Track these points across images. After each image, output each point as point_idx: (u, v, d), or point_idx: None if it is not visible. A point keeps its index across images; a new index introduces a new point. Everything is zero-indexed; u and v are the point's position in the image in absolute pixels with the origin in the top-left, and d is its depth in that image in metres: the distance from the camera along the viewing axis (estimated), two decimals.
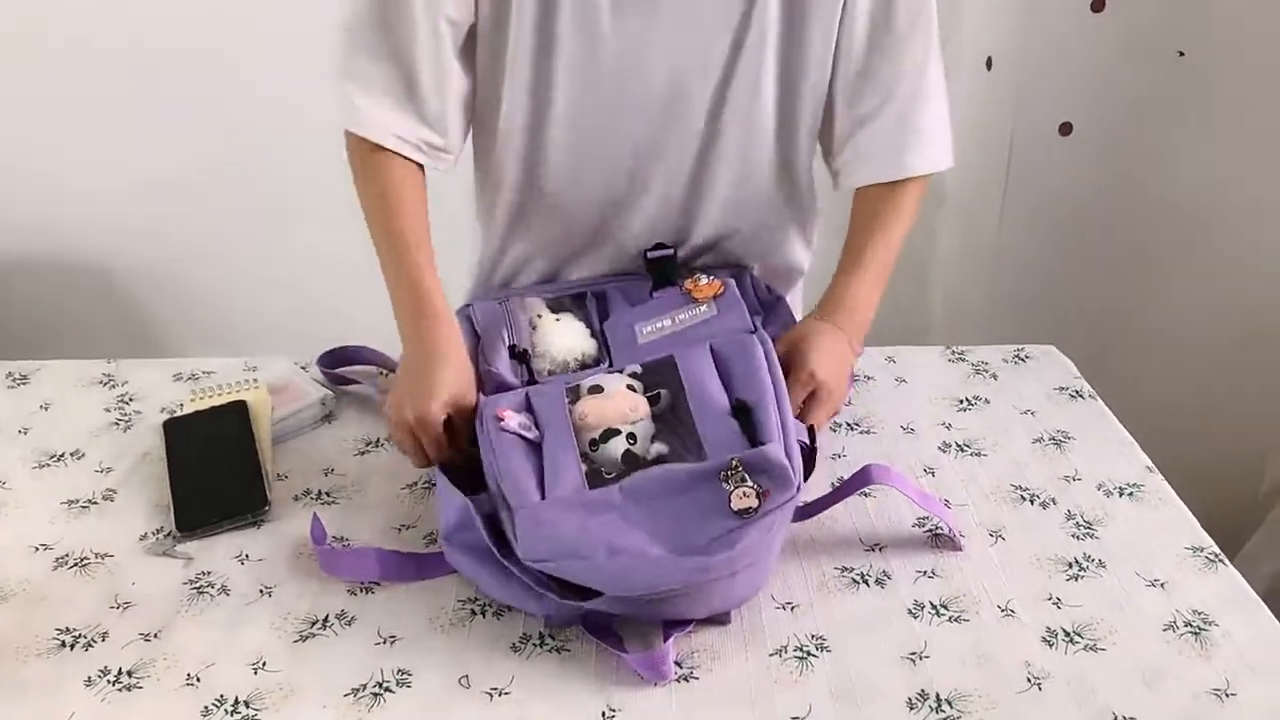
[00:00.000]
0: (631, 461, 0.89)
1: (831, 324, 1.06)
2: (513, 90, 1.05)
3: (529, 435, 0.91)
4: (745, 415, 0.91)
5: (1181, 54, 1.63)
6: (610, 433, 0.90)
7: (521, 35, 1.02)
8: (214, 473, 1.04)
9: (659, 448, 0.91)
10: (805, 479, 0.92)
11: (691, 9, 1.02)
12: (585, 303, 1.12)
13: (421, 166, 1.07)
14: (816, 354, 1.02)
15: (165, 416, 1.14)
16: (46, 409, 1.19)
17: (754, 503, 0.82)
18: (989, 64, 1.71)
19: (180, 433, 1.10)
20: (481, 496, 0.88)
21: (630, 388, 0.95)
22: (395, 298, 1.03)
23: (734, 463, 0.84)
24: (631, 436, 0.90)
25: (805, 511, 0.98)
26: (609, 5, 1.01)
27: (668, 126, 1.08)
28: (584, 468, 0.88)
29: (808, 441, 0.94)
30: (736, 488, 0.82)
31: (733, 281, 1.08)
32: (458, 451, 0.96)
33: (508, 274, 1.20)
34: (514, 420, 0.92)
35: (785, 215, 1.18)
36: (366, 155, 1.05)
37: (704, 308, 1.05)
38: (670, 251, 1.13)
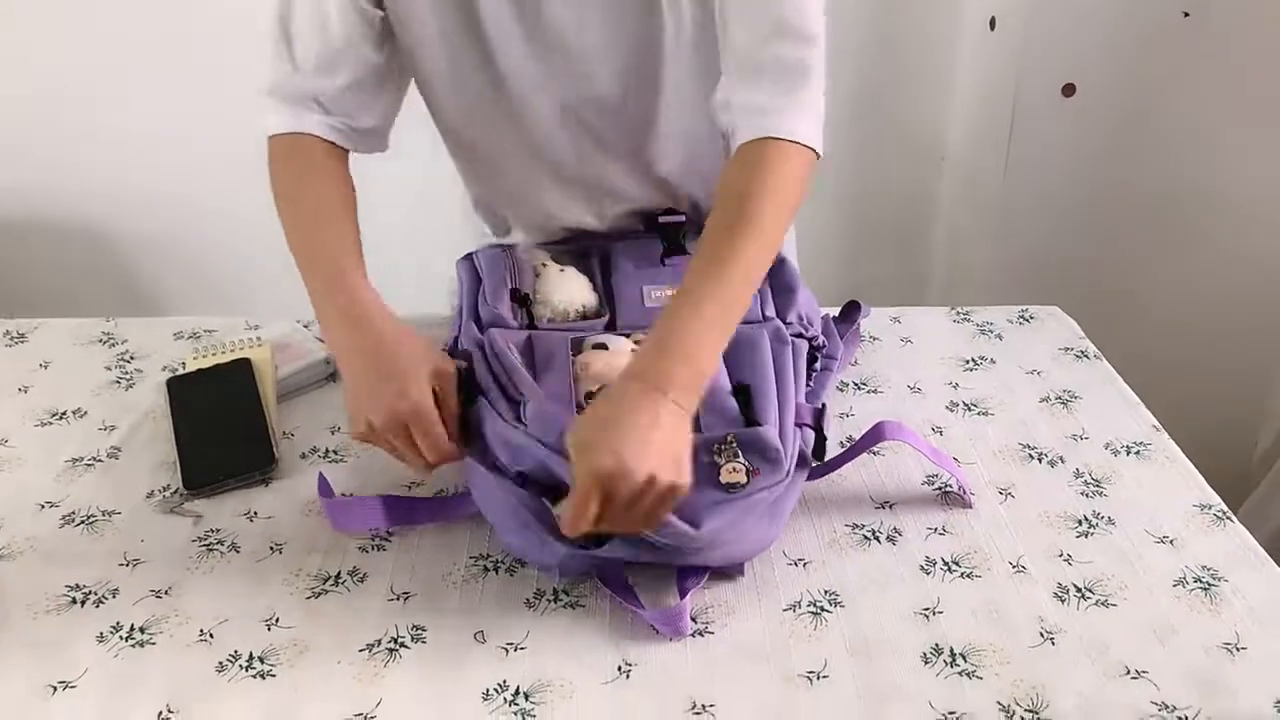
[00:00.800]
0: None
1: (646, 387, 0.79)
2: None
3: (513, 393, 0.90)
4: (744, 395, 0.91)
5: (1186, 14, 1.62)
6: (606, 389, 0.90)
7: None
8: (219, 431, 1.04)
9: None
10: (818, 458, 0.93)
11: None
12: (589, 259, 1.12)
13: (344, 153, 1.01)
14: (606, 439, 0.76)
15: (167, 375, 1.13)
16: (46, 367, 1.17)
17: (742, 479, 0.83)
18: (992, 24, 1.70)
19: (184, 391, 1.09)
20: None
21: (634, 351, 0.95)
22: (320, 309, 0.92)
23: (729, 437, 0.84)
24: None
25: (819, 470, 0.97)
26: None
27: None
28: (578, 410, 0.89)
29: (811, 424, 0.93)
30: (728, 462, 0.83)
31: None
32: (457, 441, 0.87)
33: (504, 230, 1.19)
34: (514, 354, 0.93)
35: None
36: (280, 151, 1.00)
37: None
38: (681, 218, 1.12)
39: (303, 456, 1.03)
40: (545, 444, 0.83)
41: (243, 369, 1.10)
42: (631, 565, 0.88)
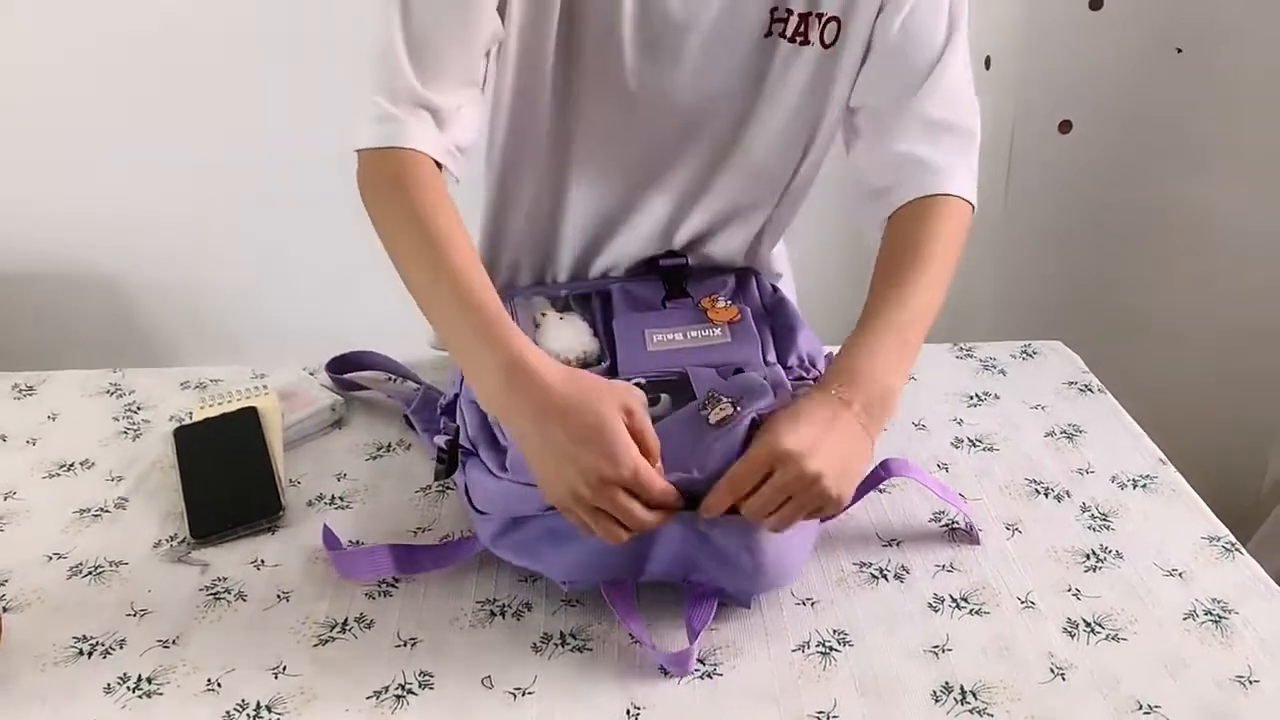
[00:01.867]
0: None
1: (841, 399, 0.84)
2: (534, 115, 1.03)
3: None
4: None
5: (1180, 50, 1.64)
6: None
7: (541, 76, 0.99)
8: (226, 479, 1.04)
9: None
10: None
11: (713, 51, 0.99)
12: (590, 303, 1.12)
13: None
14: (789, 424, 0.81)
15: (174, 424, 1.14)
16: (54, 419, 1.18)
17: (729, 410, 0.85)
18: (988, 63, 1.72)
19: (191, 440, 1.09)
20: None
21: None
22: (471, 357, 0.85)
23: (709, 392, 0.87)
24: None
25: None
26: (631, 56, 0.99)
27: (687, 138, 1.06)
28: None
29: None
30: (714, 408, 0.85)
31: (749, 311, 1.06)
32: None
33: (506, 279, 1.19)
34: None
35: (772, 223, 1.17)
36: (392, 172, 0.92)
37: (718, 331, 1.04)
38: (683, 260, 1.13)
39: (309, 504, 1.03)
40: (521, 482, 0.84)
41: (249, 417, 1.11)
42: (640, 585, 0.88)
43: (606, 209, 1.11)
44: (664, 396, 0.97)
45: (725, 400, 0.86)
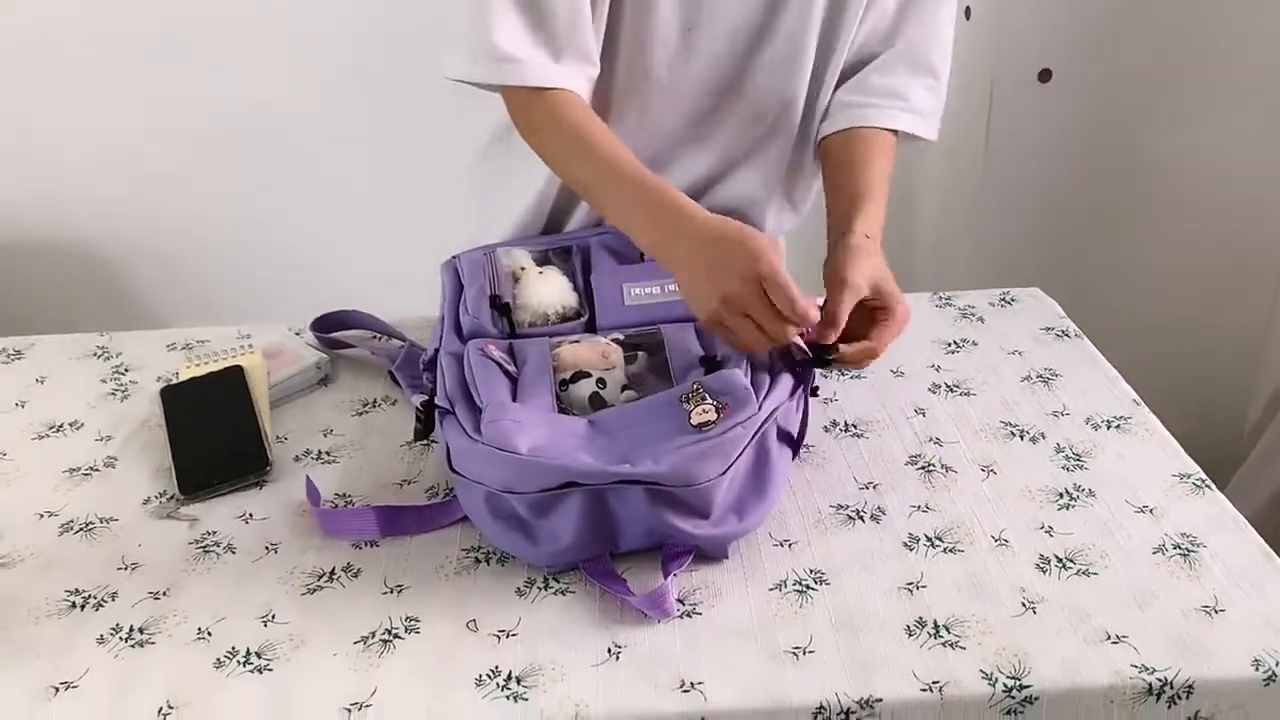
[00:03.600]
0: (598, 404, 0.92)
1: (872, 242, 1.03)
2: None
3: (508, 367, 0.94)
4: (713, 365, 0.94)
5: None
6: (580, 375, 0.93)
7: None
8: (213, 436, 1.05)
9: (629, 395, 0.93)
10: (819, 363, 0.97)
11: None
12: (570, 257, 1.13)
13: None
14: (875, 267, 1.00)
15: (161, 385, 1.15)
16: (42, 382, 1.19)
17: (712, 416, 0.85)
18: (968, 13, 1.72)
19: (178, 399, 1.11)
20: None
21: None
22: (634, 215, 0.99)
23: (694, 385, 0.87)
24: (601, 381, 0.93)
25: (797, 445, 0.99)
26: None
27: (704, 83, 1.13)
28: (555, 402, 0.91)
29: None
30: (696, 406, 0.85)
31: None
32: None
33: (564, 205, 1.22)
34: (496, 352, 0.95)
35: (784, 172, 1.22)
36: (549, 106, 1.04)
37: None
38: None
39: (296, 459, 1.05)
40: (495, 447, 0.85)
41: (235, 376, 1.12)
42: (618, 556, 0.90)
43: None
44: (640, 354, 0.98)
45: (709, 402, 0.86)
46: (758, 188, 1.21)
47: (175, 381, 1.14)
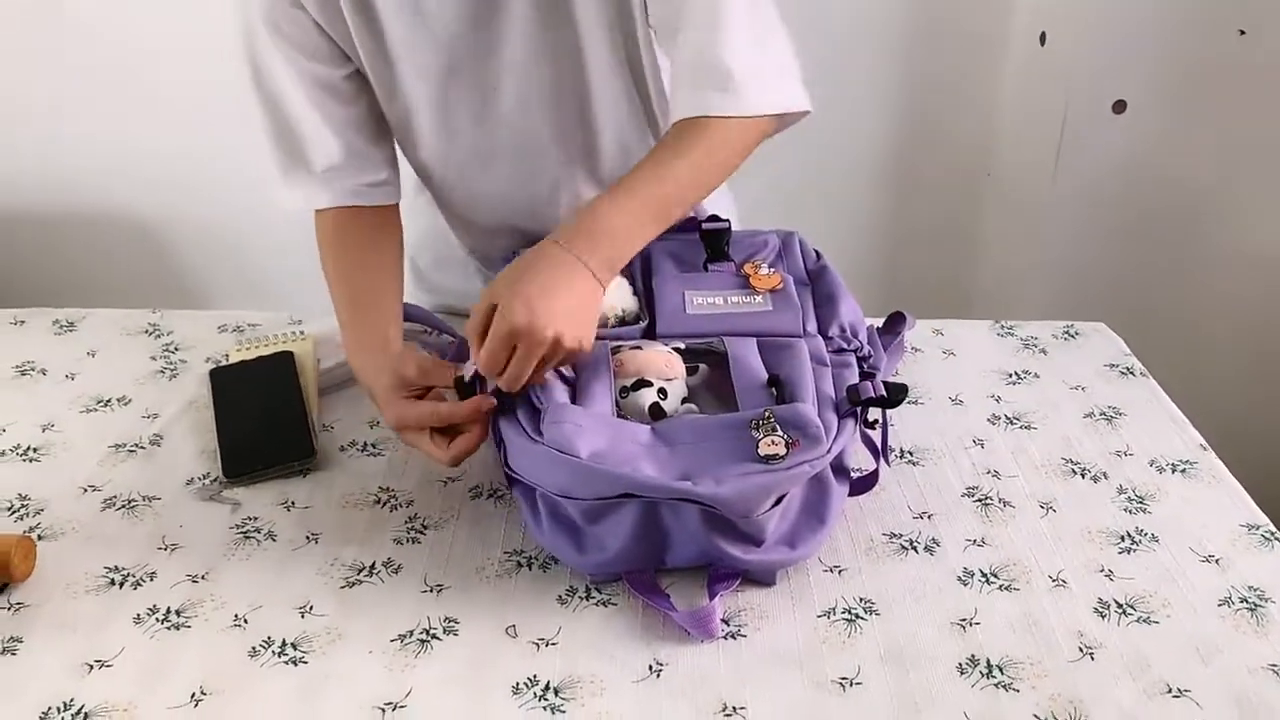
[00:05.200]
0: (658, 414, 0.89)
1: (561, 247, 0.88)
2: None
3: (565, 372, 0.92)
4: (778, 386, 0.91)
5: (1243, 32, 1.60)
6: (641, 383, 0.91)
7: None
8: (260, 421, 1.04)
9: (688, 408, 0.91)
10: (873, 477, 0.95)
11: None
12: (631, 261, 1.11)
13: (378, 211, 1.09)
14: (510, 272, 0.88)
15: (211, 365, 1.14)
16: (93, 355, 1.19)
17: (781, 450, 0.82)
18: (1042, 39, 1.69)
19: (227, 381, 1.10)
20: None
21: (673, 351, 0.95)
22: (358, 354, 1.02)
23: (766, 413, 0.84)
24: (662, 391, 0.91)
25: (862, 482, 0.96)
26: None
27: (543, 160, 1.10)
28: (615, 408, 0.89)
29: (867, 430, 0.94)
30: (765, 436, 0.82)
31: (791, 279, 1.04)
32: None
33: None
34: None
35: None
36: (320, 232, 1.08)
37: (759, 298, 1.03)
38: (725, 224, 1.12)
39: (342, 449, 1.04)
40: (556, 449, 0.83)
41: (285, 361, 1.11)
42: (662, 571, 0.88)
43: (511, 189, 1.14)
44: (701, 366, 0.96)
45: (780, 435, 0.83)
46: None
47: (225, 363, 1.13)
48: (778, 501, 0.84)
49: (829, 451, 0.85)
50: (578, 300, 0.87)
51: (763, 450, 0.82)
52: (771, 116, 0.97)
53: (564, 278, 0.86)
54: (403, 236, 1.11)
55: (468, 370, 0.90)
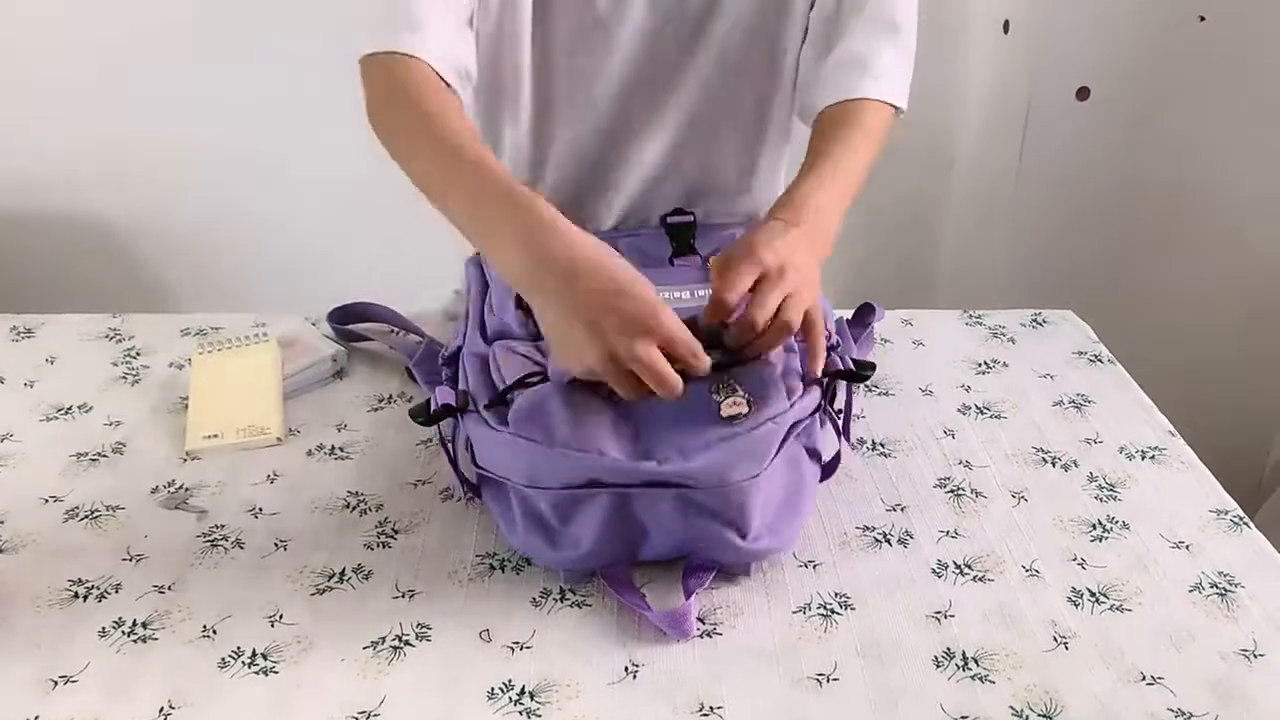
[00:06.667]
0: None
1: (787, 223, 0.88)
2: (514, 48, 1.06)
3: (535, 358, 0.91)
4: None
5: (1203, 18, 1.61)
6: None
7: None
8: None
9: None
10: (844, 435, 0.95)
11: None
12: None
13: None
14: (766, 239, 0.84)
15: (174, 371, 1.13)
16: (52, 362, 1.17)
17: (744, 409, 0.81)
18: (1006, 27, 1.69)
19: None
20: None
21: None
22: (488, 212, 0.83)
23: (727, 377, 0.83)
24: None
25: (830, 466, 0.96)
26: None
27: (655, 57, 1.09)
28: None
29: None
30: (727, 398, 0.82)
31: None
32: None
33: None
34: (522, 348, 0.93)
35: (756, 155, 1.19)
36: (399, 81, 0.93)
37: None
38: (690, 218, 1.11)
39: (309, 454, 1.02)
40: (524, 437, 0.82)
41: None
42: (637, 566, 0.87)
43: (591, 151, 1.12)
44: None
45: (740, 394, 0.82)
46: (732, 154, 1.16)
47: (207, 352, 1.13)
48: (757, 475, 0.82)
49: (792, 407, 0.84)
50: (804, 257, 0.86)
51: (725, 412, 0.81)
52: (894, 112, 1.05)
53: (793, 239, 0.86)
54: None
55: (439, 396, 0.88)
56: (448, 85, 0.95)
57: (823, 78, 1.06)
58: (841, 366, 0.91)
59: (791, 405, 0.84)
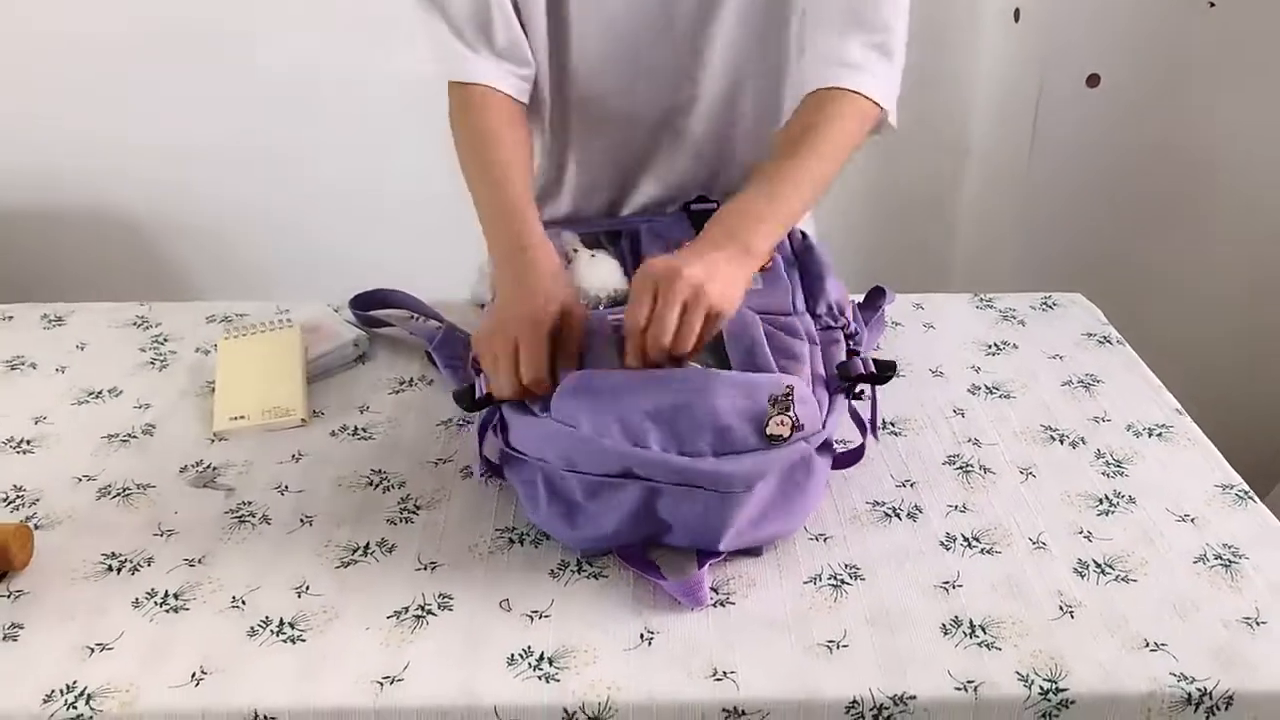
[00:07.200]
0: None
1: (705, 243, 0.91)
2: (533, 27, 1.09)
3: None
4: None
5: (1213, 4, 1.62)
6: None
7: None
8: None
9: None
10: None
11: None
12: (619, 241, 1.13)
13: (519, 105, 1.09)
14: (676, 265, 0.86)
15: (200, 355, 1.16)
16: (82, 349, 1.20)
17: (786, 433, 0.83)
18: (1016, 15, 1.70)
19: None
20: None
21: None
22: (490, 229, 1.00)
23: (788, 389, 0.84)
24: None
25: (844, 458, 0.98)
26: None
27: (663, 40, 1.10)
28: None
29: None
30: (779, 414, 0.83)
31: (780, 259, 1.07)
32: (549, 375, 0.89)
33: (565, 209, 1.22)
34: None
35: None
36: (462, 98, 1.06)
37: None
38: (714, 205, 1.13)
39: (333, 434, 1.05)
40: (560, 420, 0.84)
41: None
42: (653, 546, 0.89)
43: (613, 144, 1.15)
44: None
45: (790, 415, 0.83)
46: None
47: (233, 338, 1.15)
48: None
49: (823, 427, 0.87)
50: (724, 267, 0.86)
51: (771, 429, 0.83)
52: (880, 113, 1.03)
53: (710, 247, 0.88)
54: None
55: (481, 384, 0.91)
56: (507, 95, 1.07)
57: (803, 66, 1.06)
58: (864, 370, 0.93)
59: (823, 427, 0.87)
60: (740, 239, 0.89)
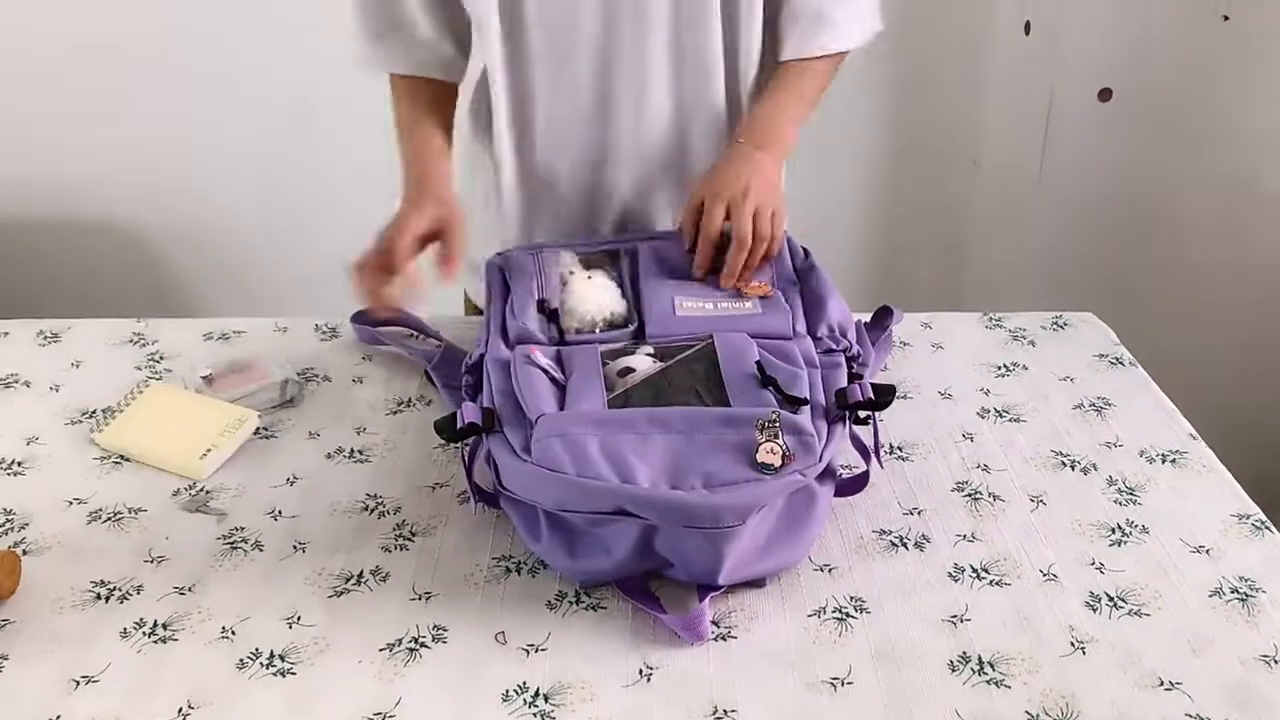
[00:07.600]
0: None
1: (755, 145, 1.09)
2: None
3: (555, 373, 0.92)
4: (774, 385, 0.90)
5: (1226, 18, 1.59)
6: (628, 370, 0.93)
7: None
8: None
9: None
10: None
11: None
12: (618, 259, 1.11)
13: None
14: (731, 169, 1.07)
15: (197, 374, 1.14)
16: (77, 366, 1.18)
17: (777, 461, 0.82)
18: (1027, 28, 1.68)
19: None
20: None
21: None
22: (403, 156, 1.14)
23: (774, 415, 0.83)
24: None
25: (850, 483, 0.96)
26: None
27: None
28: (606, 396, 0.89)
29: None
30: (768, 441, 0.82)
31: (780, 293, 1.05)
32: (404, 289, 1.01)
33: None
34: (543, 359, 0.93)
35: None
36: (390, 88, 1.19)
37: (749, 304, 1.04)
38: None
39: (328, 456, 1.03)
40: (545, 467, 0.83)
41: None
42: (653, 577, 0.87)
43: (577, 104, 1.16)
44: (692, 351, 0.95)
45: (780, 443, 0.82)
46: None
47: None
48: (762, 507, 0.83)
49: (820, 459, 0.85)
50: (764, 172, 1.06)
51: (761, 457, 0.81)
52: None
53: (747, 160, 1.07)
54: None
55: (463, 413, 0.89)
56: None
57: (784, 30, 1.15)
58: (862, 397, 0.91)
59: (820, 458, 0.85)
60: (783, 152, 1.11)
